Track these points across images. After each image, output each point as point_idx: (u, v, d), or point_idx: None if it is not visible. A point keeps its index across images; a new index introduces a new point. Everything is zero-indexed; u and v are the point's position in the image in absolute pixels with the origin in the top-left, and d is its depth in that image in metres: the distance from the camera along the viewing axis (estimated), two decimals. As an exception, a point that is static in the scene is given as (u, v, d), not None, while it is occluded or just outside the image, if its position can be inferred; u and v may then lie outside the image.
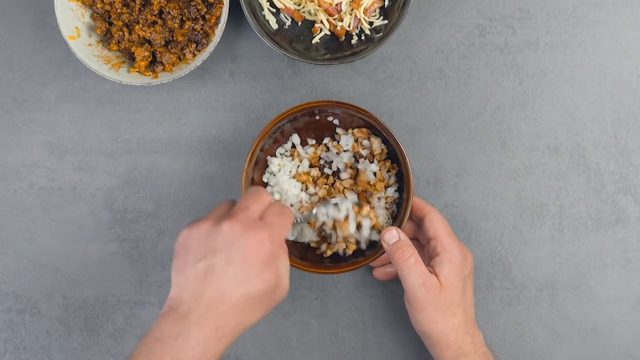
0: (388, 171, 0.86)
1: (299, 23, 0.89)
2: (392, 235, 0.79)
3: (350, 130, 0.87)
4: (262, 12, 0.88)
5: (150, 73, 0.86)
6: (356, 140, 0.87)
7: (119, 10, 0.87)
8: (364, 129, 0.86)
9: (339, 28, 0.88)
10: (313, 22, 0.89)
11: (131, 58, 0.88)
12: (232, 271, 0.66)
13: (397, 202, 0.86)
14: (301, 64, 0.90)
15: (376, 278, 0.87)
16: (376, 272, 0.87)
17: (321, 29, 0.89)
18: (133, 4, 0.87)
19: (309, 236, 0.85)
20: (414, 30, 0.91)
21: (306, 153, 0.87)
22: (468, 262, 0.81)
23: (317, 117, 0.86)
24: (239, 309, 0.67)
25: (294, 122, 0.85)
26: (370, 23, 0.88)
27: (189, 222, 0.70)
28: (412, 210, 0.83)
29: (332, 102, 0.83)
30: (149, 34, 0.86)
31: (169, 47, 0.87)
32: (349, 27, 0.88)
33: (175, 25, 0.87)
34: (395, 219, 0.85)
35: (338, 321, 0.90)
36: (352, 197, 0.84)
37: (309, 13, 0.89)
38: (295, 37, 0.89)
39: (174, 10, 0.86)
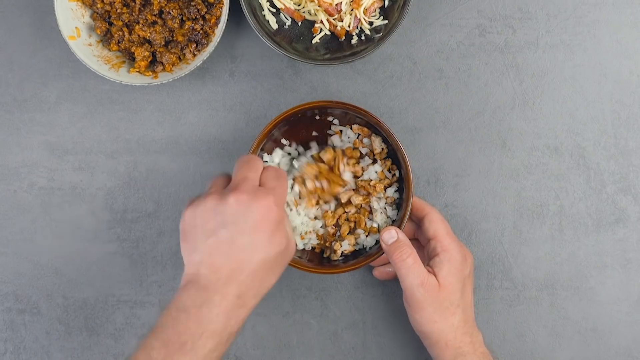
0: (389, 170, 0.86)
1: (299, 23, 0.89)
2: (391, 235, 0.79)
3: (348, 126, 0.87)
4: (262, 12, 0.88)
5: (150, 73, 0.86)
6: (357, 137, 0.87)
7: (119, 10, 0.87)
8: (364, 128, 0.86)
9: (339, 28, 0.88)
10: (313, 22, 0.89)
11: (131, 58, 0.88)
12: (247, 240, 0.68)
13: (397, 202, 0.86)
14: (301, 64, 0.90)
15: (376, 277, 0.87)
16: (376, 271, 0.87)
17: (321, 29, 0.88)
18: (133, 4, 0.86)
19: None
20: (414, 30, 0.90)
21: (302, 156, 0.86)
22: (468, 263, 0.81)
23: (317, 117, 0.86)
24: (258, 275, 0.69)
25: (291, 125, 0.85)
26: (370, 23, 0.88)
27: (190, 201, 0.72)
28: (412, 210, 0.83)
29: (332, 102, 0.83)
30: (149, 34, 0.86)
31: (169, 47, 0.87)
32: (349, 27, 0.87)
33: (175, 25, 0.86)
34: (395, 219, 0.85)
35: (338, 321, 0.90)
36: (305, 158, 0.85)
37: (309, 13, 0.88)
38: (295, 37, 0.89)
39: (174, 10, 0.86)
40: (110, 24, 0.88)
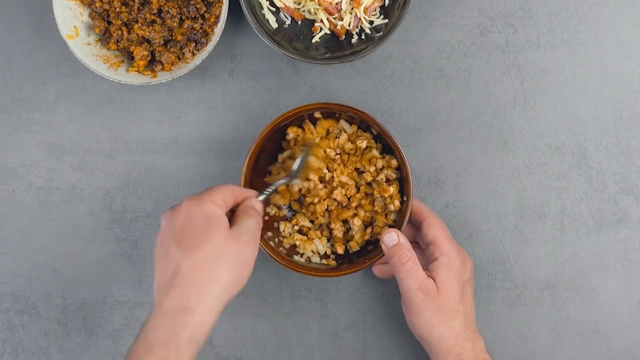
0: (397, 169, 0.85)
1: (299, 22, 0.89)
2: (392, 238, 0.79)
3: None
4: (262, 11, 0.88)
5: (149, 72, 0.86)
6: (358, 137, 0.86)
7: (117, 9, 0.87)
8: (366, 134, 0.86)
9: (339, 27, 0.88)
10: (313, 21, 0.89)
11: (130, 57, 0.88)
12: (172, 254, 0.69)
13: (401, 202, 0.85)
14: (301, 63, 0.90)
15: (376, 275, 0.87)
16: (375, 269, 0.87)
17: (321, 28, 0.88)
18: (132, 2, 0.86)
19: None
20: (415, 29, 0.90)
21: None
22: (467, 267, 0.80)
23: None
24: (195, 273, 0.68)
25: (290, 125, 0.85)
26: (371, 22, 0.88)
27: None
28: (411, 213, 0.83)
29: (329, 105, 0.82)
30: (147, 33, 0.86)
31: (168, 46, 0.87)
32: (349, 26, 0.87)
33: (175, 24, 0.86)
34: (395, 221, 0.85)
35: (338, 322, 0.90)
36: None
37: (309, 12, 0.88)
38: (295, 36, 0.88)
39: (173, 9, 0.86)
40: (109, 23, 0.88)
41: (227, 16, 0.84)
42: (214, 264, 0.68)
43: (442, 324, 0.77)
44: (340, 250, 0.85)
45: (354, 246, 0.86)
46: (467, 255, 0.82)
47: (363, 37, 0.88)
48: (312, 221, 0.87)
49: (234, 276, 0.69)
